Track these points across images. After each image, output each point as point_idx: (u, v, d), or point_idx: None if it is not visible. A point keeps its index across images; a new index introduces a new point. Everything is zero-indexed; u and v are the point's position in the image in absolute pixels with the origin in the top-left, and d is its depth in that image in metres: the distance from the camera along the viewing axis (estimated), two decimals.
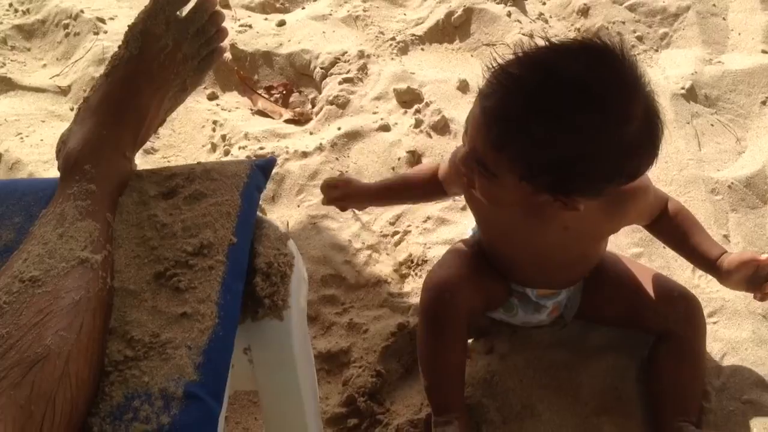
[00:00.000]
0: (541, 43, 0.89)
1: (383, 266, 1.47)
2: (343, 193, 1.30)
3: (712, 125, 1.63)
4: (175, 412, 0.83)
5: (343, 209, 1.36)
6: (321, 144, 1.66)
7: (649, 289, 1.24)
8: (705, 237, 1.18)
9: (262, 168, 1.07)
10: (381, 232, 1.52)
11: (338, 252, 1.49)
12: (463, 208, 1.51)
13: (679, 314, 1.22)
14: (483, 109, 0.91)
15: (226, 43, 1.82)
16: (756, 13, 1.83)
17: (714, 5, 1.89)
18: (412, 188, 1.32)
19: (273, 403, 1.02)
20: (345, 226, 1.54)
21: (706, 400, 1.23)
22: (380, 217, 1.55)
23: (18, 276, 0.88)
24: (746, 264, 1.09)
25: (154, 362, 0.87)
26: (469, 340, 1.32)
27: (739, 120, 1.65)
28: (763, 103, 1.66)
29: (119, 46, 1.03)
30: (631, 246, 1.42)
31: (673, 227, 1.18)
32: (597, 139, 0.88)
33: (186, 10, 1.03)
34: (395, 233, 1.51)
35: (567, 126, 0.87)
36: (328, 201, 1.31)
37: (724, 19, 1.87)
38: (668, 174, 1.53)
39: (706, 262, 1.15)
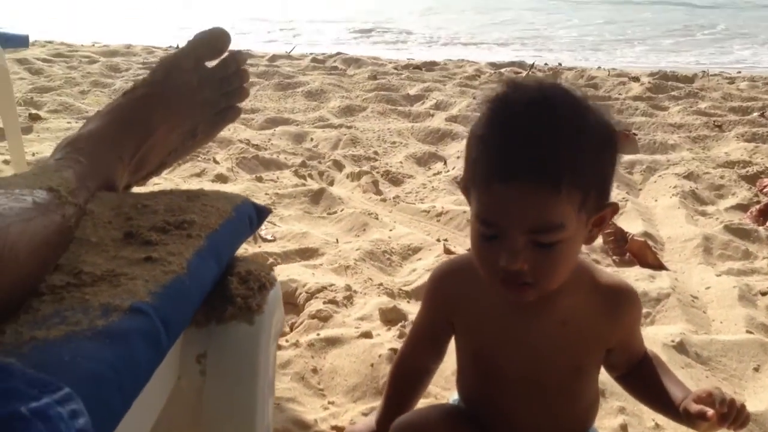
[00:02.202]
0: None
1: None
2: None
3: (706, 377, 1.55)
4: (114, 319, 0.68)
5: None
6: (297, 342, 1.55)
7: None
8: (671, 385, 1.08)
9: (257, 208, 1.02)
10: (352, 420, 1.34)
11: (300, 428, 1.29)
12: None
13: None
14: (532, 157, 0.85)
15: None
16: (735, 308, 1.87)
17: (693, 300, 1.94)
18: (411, 383, 1.19)
19: (218, 424, 0.81)
20: (311, 410, 1.36)
21: None
22: (353, 408, 1.38)
23: None
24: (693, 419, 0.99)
25: (101, 288, 0.74)
26: None
27: (734, 380, 1.58)
28: (756, 369, 1.61)
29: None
30: None
31: (649, 372, 1.10)
32: (606, 140, 0.91)
33: None
34: None
35: (588, 132, 0.89)
36: None
37: (704, 312, 1.91)
38: None
39: (673, 410, 1.04)
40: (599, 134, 0.90)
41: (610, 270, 2.12)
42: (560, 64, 7.82)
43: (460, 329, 1.09)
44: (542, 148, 0.85)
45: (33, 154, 2.95)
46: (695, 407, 0.98)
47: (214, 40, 1.10)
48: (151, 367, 0.68)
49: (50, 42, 7.89)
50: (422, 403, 1.37)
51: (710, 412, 0.96)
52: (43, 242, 0.74)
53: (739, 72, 7.50)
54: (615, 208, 0.95)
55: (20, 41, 3.92)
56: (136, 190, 1.10)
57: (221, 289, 0.86)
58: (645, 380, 1.10)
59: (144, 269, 0.77)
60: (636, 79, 6.29)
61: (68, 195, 0.82)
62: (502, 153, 0.87)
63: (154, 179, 2.60)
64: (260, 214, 1.01)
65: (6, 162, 2.86)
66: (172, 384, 0.82)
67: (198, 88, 1.05)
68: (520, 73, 6.20)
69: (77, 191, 0.85)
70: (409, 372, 1.18)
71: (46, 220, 0.76)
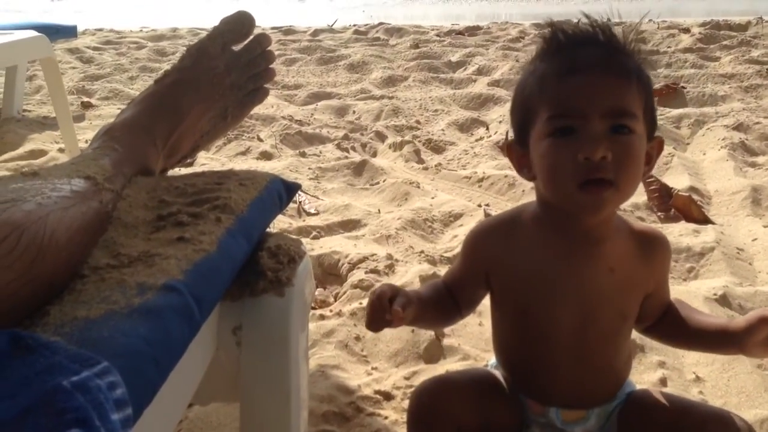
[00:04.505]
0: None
1: (393, 411, 1.31)
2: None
3: None
4: (149, 297, 0.73)
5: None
6: (340, 311, 1.60)
7: (694, 412, 1.08)
8: (706, 315, 1.08)
9: (286, 184, 1.06)
10: (394, 385, 1.38)
11: (345, 394, 1.34)
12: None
13: None
14: (600, 57, 0.93)
15: None
16: None
17: (738, 252, 1.92)
18: (436, 303, 1.09)
19: (255, 391, 0.86)
20: (355, 375, 1.41)
21: None
22: (396, 373, 1.42)
23: (16, 174, 0.84)
24: (764, 321, 0.96)
25: (137, 268, 0.79)
26: None
27: None
28: None
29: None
30: None
31: (677, 313, 1.09)
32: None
33: None
34: (409, 387, 1.37)
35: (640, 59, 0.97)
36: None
37: (750, 264, 1.89)
38: (709, 356, 1.42)
39: (720, 334, 1.02)
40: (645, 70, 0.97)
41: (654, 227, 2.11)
42: (609, 20, 7.66)
43: (502, 289, 1.08)
44: (612, 48, 0.94)
45: (86, 141, 3.05)
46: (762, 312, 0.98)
47: (239, 25, 1.13)
48: (185, 340, 0.73)
49: (100, 30, 8.09)
50: (460, 365, 1.41)
51: None
52: (81, 228, 0.79)
53: None
54: (660, 142, 0.99)
55: (69, 32, 4.05)
56: (172, 172, 1.15)
57: (253, 264, 0.91)
58: (679, 321, 1.09)
59: (177, 249, 0.81)
60: (686, 30, 6.14)
61: (105, 182, 0.87)
62: (574, 52, 0.94)
63: (201, 159, 2.68)
64: (289, 190, 1.05)
65: (61, 150, 2.98)
66: (210, 355, 0.87)
67: (225, 72, 1.09)
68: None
69: (113, 178, 0.90)
70: (442, 291, 1.10)
71: (84, 207, 0.81)
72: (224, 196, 0.93)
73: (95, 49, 6.32)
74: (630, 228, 1.05)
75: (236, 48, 1.13)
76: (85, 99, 4.22)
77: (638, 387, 1.16)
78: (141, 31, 8.02)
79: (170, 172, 1.11)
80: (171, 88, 1.06)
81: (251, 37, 1.14)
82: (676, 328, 1.10)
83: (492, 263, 1.07)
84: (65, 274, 0.76)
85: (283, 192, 1.04)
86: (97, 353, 0.63)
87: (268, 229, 1.02)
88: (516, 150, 1.01)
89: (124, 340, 0.67)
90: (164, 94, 1.05)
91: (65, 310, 0.71)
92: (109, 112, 3.87)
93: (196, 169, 2.66)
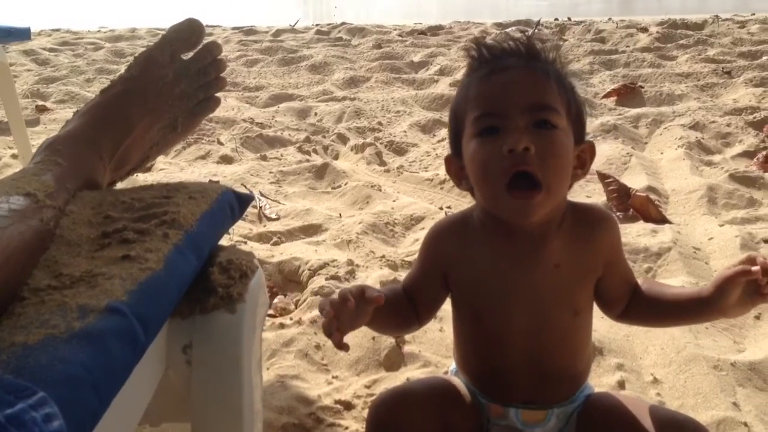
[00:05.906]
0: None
1: (354, 421, 1.29)
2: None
3: (706, 328, 1.56)
4: (90, 320, 0.70)
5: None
6: (300, 319, 1.58)
7: (651, 416, 1.09)
8: (678, 288, 1.10)
9: (238, 196, 1.04)
10: (355, 393, 1.37)
11: (305, 405, 1.32)
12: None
13: None
14: (519, 61, 0.98)
15: None
16: (737, 257, 1.86)
17: (695, 252, 1.95)
18: (395, 306, 1.06)
19: (206, 410, 0.84)
20: (315, 385, 1.40)
21: None
22: (356, 381, 1.41)
23: None
24: (732, 280, 0.95)
25: (79, 289, 0.76)
26: None
27: (734, 329, 1.59)
28: (757, 317, 1.61)
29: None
30: None
31: (646, 293, 1.09)
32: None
33: None
34: (370, 395, 1.36)
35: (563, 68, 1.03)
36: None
37: (706, 263, 1.91)
38: (666, 357, 1.43)
39: (696, 302, 1.01)
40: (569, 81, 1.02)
41: None
42: (569, 19, 7.75)
43: (459, 290, 1.08)
44: (531, 57, 0.99)
45: None
46: (734, 267, 0.96)
47: (188, 33, 1.11)
48: (128, 365, 0.70)
49: (56, 30, 7.94)
50: (421, 372, 1.40)
51: (759, 258, 0.94)
52: (19, 249, 0.76)
53: (753, 14, 7.38)
54: (592, 146, 1.01)
55: (22, 34, 3.95)
56: (128, 180, 1.12)
57: (203, 280, 0.88)
58: (650, 300, 1.09)
59: (121, 268, 0.79)
60: (644, 29, 6.21)
61: (46, 198, 0.84)
62: (496, 61, 0.99)
63: (160, 164, 2.64)
64: (242, 201, 1.03)
65: (14, 156, 2.91)
66: (159, 376, 0.85)
67: (174, 81, 1.07)
68: (526, 31, 6.14)
69: (56, 194, 0.87)
70: (401, 296, 1.08)
71: (23, 226, 0.78)
72: (173, 211, 0.90)
73: (51, 50, 6.20)
74: (573, 209, 1.05)
75: (185, 57, 1.10)
76: (40, 102, 4.13)
77: (597, 390, 1.17)
78: (99, 31, 7.89)
79: (126, 180, 1.08)
80: (117, 99, 1.03)
81: (201, 45, 1.11)
82: (651, 308, 1.09)
83: (449, 263, 1.07)
84: (3, 297, 0.73)
85: (235, 204, 1.02)
86: (35, 382, 0.61)
87: (221, 242, 1.00)
88: (454, 163, 1.03)
89: (63, 368, 0.64)
90: (110, 105, 1.02)
91: (2, 336, 0.69)
92: (65, 116, 3.79)
93: (154, 174, 2.62)
